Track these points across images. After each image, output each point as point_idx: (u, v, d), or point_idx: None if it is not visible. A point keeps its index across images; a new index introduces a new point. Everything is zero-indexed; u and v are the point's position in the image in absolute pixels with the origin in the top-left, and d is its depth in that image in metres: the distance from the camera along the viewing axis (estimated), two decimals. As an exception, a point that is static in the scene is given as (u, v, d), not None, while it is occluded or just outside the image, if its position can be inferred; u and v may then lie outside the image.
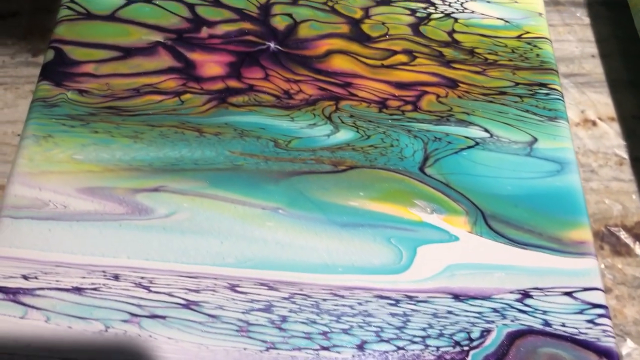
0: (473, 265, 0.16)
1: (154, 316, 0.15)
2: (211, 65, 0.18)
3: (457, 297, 0.15)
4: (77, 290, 0.15)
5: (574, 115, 0.24)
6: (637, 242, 0.21)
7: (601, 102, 0.24)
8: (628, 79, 0.25)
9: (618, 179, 0.22)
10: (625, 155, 0.23)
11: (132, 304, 0.15)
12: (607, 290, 0.20)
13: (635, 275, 0.21)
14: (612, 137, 0.23)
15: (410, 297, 0.15)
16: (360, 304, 0.15)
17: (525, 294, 0.16)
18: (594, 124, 0.24)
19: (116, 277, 0.15)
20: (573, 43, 0.26)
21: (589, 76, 0.25)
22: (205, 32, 0.19)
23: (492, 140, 0.18)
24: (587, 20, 0.26)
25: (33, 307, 0.14)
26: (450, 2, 0.21)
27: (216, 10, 0.20)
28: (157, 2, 0.19)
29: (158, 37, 0.19)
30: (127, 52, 0.18)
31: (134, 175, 0.16)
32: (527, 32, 0.20)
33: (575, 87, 0.24)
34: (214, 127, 0.17)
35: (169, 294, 0.15)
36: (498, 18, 0.20)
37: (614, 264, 0.21)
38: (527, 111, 0.19)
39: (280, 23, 0.20)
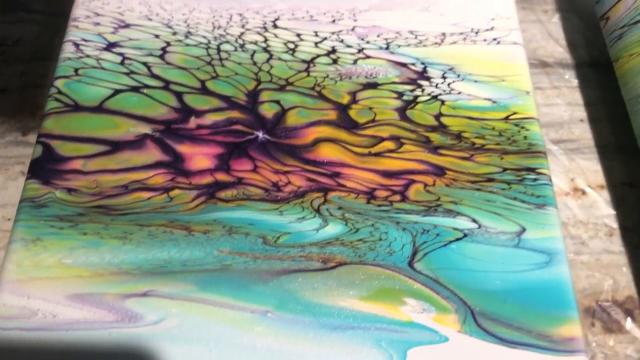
0: (463, 367, 0.16)
1: None
2: (199, 157, 0.19)
3: (447, 403, 0.15)
4: (66, 406, 0.15)
5: (563, 184, 0.24)
6: (629, 318, 0.21)
7: (590, 170, 0.24)
8: (617, 144, 0.25)
9: (608, 251, 0.22)
10: (615, 225, 0.23)
11: (122, 421, 0.15)
12: (598, 371, 0.20)
13: (627, 353, 0.21)
14: (601, 206, 0.23)
15: (400, 404, 0.15)
16: (350, 411, 0.15)
17: (515, 397, 0.16)
18: (584, 192, 0.24)
19: (105, 391, 0.15)
20: (562, 107, 0.26)
21: (578, 142, 0.25)
22: (193, 122, 0.19)
23: (480, 232, 0.18)
24: (575, 82, 0.26)
25: None
26: (437, 83, 0.21)
27: (204, 99, 0.20)
28: (145, 91, 0.20)
29: (146, 129, 0.19)
30: (115, 146, 0.18)
31: (123, 279, 0.16)
32: (515, 113, 0.20)
33: (565, 154, 0.24)
34: (202, 225, 0.17)
35: (159, 409, 0.15)
36: (485, 99, 0.21)
37: (605, 341, 0.21)
38: (515, 199, 0.19)
39: (268, 111, 0.20)
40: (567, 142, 0.25)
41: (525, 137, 0.20)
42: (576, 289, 0.22)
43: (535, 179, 0.19)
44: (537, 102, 0.26)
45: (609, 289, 0.22)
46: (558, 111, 0.26)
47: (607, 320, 0.21)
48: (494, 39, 0.22)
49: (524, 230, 0.18)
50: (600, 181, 0.24)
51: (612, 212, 0.23)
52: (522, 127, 0.20)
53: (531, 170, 0.19)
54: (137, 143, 0.19)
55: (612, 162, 0.24)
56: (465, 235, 0.18)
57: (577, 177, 0.24)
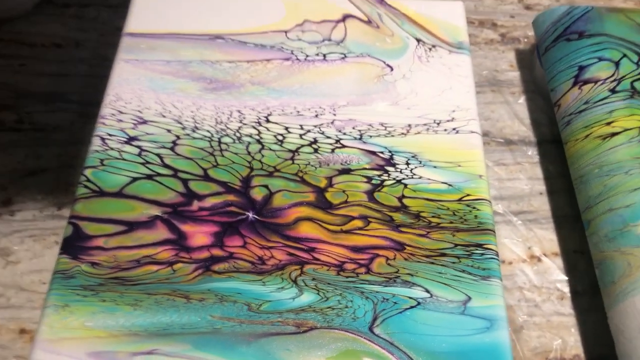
0: (410, 419, 0.19)
1: None
2: (199, 235, 0.22)
3: None
4: None
5: (521, 252, 0.27)
6: (575, 375, 0.24)
7: (546, 238, 0.27)
8: (572, 214, 0.28)
9: (559, 313, 0.25)
10: (566, 289, 0.26)
11: None
12: (544, 423, 0.23)
13: (572, 407, 0.23)
14: (555, 272, 0.26)
15: None
16: None
17: None
18: (539, 259, 0.27)
19: None
20: (523, 181, 0.29)
21: (536, 213, 0.28)
22: (195, 205, 0.23)
23: (431, 300, 0.21)
24: (536, 158, 0.30)
25: None
26: (401, 169, 0.24)
27: (205, 184, 0.24)
28: (157, 179, 0.24)
29: (157, 211, 0.23)
30: (131, 226, 0.23)
31: (133, 340, 0.20)
32: (468, 195, 0.24)
33: (524, 225, 0.28)
34: (198, 294, 0.21)
35: None
36: (442, 182, 0.24)
37: (552, 396, 0.24)
38: (463, 271, 0.22)
39: (258, 194, 0.24)
40: (526, 213, 0.28)
41: (475, 217, 0.23)
42: (528, 347, 0.24)
43: (482, 254, 0.22)
44: (500, 177, 0.29)
45: (558, 347, 0.25)
46: (520, 185, 0.29)
47: (555, 377, 0.24)
48: (454, 129, 0.26)
49: (469, 299, 0.21)
50: (555, 249, 0.27)
51: (564, 277, 0.26)
52: (474, 208, 0.24)
53: (479, 246, 0.23)
54: (148, 223, 0.23)
55: (567, 232, 0.27)
56: (418, 304, 0.21)
57: (534, 245, 0.27)
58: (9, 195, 0.27)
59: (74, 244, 0.22)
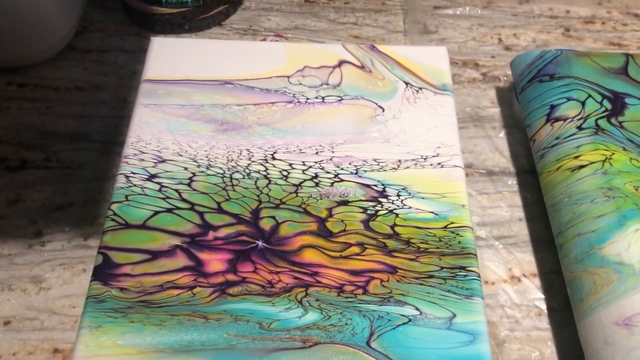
0: (403, 422, 0.22)
1: None
2: (215, 262, 0.25)
3: None
4: None
5: (502, 273, 0.30)
6: (551, 383, 0.27)
7: (525, 261, 0.30)
8: (548, 238, 0.31)
9: (537, 328, 0.28)
10: (544, 306, 0.29)
11: None
12: None
13: (549, 412, 0.26)
14: (533, 291, 0.29)
15: None
16: None
17: None
18: (519, 280, 0.30)
19: None
20: (504, 208, 0.32)
21: (516, 237, 0.31)
22: (211, 235, 0.26)
23: (421, 317, 0.24)
24: (516, 187, 0.33)
25: None
26: (393, 200, 0.27)
27: (219, 216, 0.27)
28: (176, 212, 0.27)
29: (176, 241, 0.26)
30: (154, 255, 0.25)
31: (159, 356, 0.23)
32: (452, 222, 0.27)
33: (505, 249, 0.31)
34: (215, 314, 0.24)
35: None
36: (429, 212, 0.27)
37: (532, 402, 0.26)
38: (448, 291, 0.25)
39: (266, 224, 0.27)
40: (507, 238, 0.31)
41: (459, 242, 0.26)
42: (509, 359, 0.27)
43: (465, 275, 0.25)
44: (483, 205, 0.32)
45: (537, 359, 0.27)
46: (500, 212, 0.32)
47: (534, 385, 0.27)
48: (439, 164, 0.29)
49: (454, 315, 0.24)
50: (533, 270, 0.30)
51: (542, 295, 0.29)
52: (457, 234, 0.27)
53: (463, 268, 0.26)
54: (170, 252, 0.26)
55: (544, 254, 0.30)
56: (409, 320, 0.24)
57: (514, 267, 0.30)
58: (39, 228, 0.30)
59: (104, 272, 0.25)
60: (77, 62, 0.37)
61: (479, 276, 0.26)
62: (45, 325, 0.27)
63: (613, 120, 0.30)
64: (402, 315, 0.24)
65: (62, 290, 0.29)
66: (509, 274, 0.30)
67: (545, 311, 0.29)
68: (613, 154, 0.28)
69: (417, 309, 0.24)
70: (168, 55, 0.32)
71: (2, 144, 0.33)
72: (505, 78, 0.38)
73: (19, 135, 0.34)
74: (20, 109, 0.35)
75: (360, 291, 0.25)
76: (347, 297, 0.25)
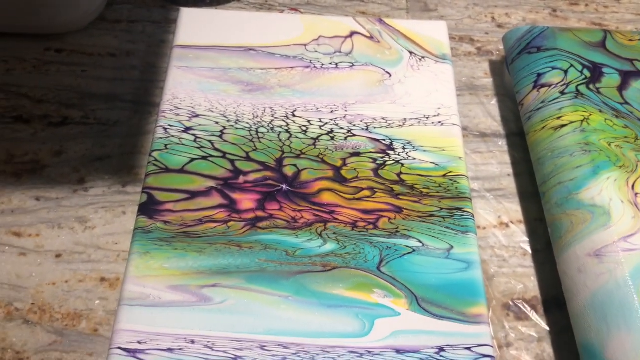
0: (409, 331, 0.26)
1: (216, 365, 0.25)
2: (246, 201, 0.29)
3: (398, 351, 0.25)
4: (170, 350, 0.25)
5: (493, 220, 0.34)
6: (533, 311, 0.31)
7: (513, 210, 0.34)
8: (533, 191, 0.35)
9: (522, 266, 0.32)
10: (528, 248, 0.33)
11: (203, 358, 0.25)
12: (508, 345, 0.30)
13: (530, 334, 0.30)
14: (519, 235, 0.33)
15: (369, 352, 0.25)
16: (339, 356, 0.25)
17: (441, 349, 0.25)
18: (507, 226, 0.34)
19: (192, 342, 0.25)
20: (494, 165, 0.36)
21: (505, 190, 0.35)
22: (241, 179, 0.30)
23: (423, 248, 0.28)
24: (505, 147, 0.37)
25: (145, 360, 0.25)
26: (399, 152, 0.31)
27: (248, 164, 0.30)
28: (210, 160, 0.30)
29: (212, 183, 0.30)
30: (193, 195, 0.29)
31: (200, 277, 0.27)
32: (450, 172, 0.31)
33: (495, 199, 0.35)
34: (248, 244, 0.28)
35: (224, 352, 0.25)
36: (431, 162, 0.31)
37: (516, 326, 0.30)
38: (447, 228, 0.29)
39: (289, 171, 0.30)
40: (497, 190, 0.35)
41: (456, 188, 0.30)
42: (497, 291, 0.31)
43: (461, 215, 0.29)
44: (476, 162, 0.36)
45: (521, 291, 0.32)
46: (491, 168, 0.36)
47: (518, 312, 0.31)
48: (439, 122, 0.33)
49: (452, 247, 0.28)
50: (520, 218, 0.34)
51: (527, 239, 0.33)
52: (455, 182, 0.31)
53: (459, 209, 0.30)
54: (206, 192, 0.29)
55: (529, 204, 0.35)
56: (413, 250, 0.28)
57: (503, 215, 0.34)
58: (82, 176, 0.34)
59: (149, 208, 0.29)
60: (108, 31, 0.41)
61: (473, 216, 0.30)
62: (92, 258, 0.31)
63: (591, 86, 0.34)
64: (407, 246, 0.28)
65: (105, 229, 0.32)
66: (498, 221, 0.34)
67: (530, 252, 0.33)
68: (590, 115, 0.32)
69: (420, 242, 0.28)
70: (196, 24, 0.36)
71: (44, 102, 0.37)
72: (497, 52, 0.42)
73: (59, 95, 0.37)
74: (59, 72, 0.38)
75: (371, 227, 0.29)
76: (359, 232, 0.29)
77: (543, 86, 0.34)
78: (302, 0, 0.44)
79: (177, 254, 0.27)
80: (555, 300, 0.31)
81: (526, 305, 0.31)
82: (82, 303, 0.30)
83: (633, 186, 0.30)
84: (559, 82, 0.34)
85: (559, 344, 0.30)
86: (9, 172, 0.34)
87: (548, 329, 0.30)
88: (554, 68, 0.35)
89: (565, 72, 0.34)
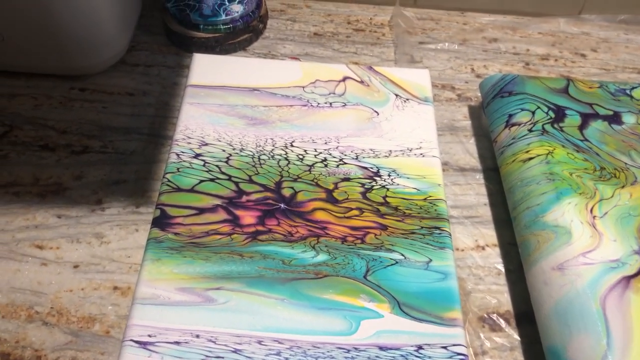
0: (391, 331, 0.29)
1: (218, 357, 0.27)
2: (248, 217, 0.33)
3: (381, 348, 0.28)
4: (177, 343, 0.28)
5: (471, 243, 0.37)
6: (506, 323, 0.34)
7: (489, 234, 0.38)
8: (506, 218, 0.39)
9: (496, 284, 0.36)
10: (502, 268, 0.36)
11: (207, 351, 0.28)
12: (484, 353, 0.33)
13: (504, 343, 0.33)
14: (494, 257, 0.37)
15: (356, 348, 0.28)
16: (328, 351, 0.28)
17: (420, 347, 0.28)
18: (483, 248, 0.37)
19: (197, 336, 0.28)
20: (472, 196, 0.40)
21: (481, 217, 0.39)
22: (244, 198, 0.34)
23: (405, 261, 0.32)
24: (482, 180, 0.41)
25: (154, 351, 0.27)
26: (385, 179, 0.35)
27: (250, 185, 0.34)
28: (217, 181, 0.34)
29: (218, 201, 0.33)
30: (201, 211, 0.33)
31: (206, 281, 0.30)
32: (430, 196, 0.35)
33: (473, 225, 0.38)
34: (249, 254, 0.31)
35: (226, 345, 0.28)
36: (413, 188, 0.35)
37: (491, 336, 0.33)
38: (427, 244, 0.32)
39: (287, 192, 0.34)
40: (474, 217, 0.39)
41: (435, 210, 0.34)
42: (474, 305, 0.35)
43: (440, 233, 0.33)
44: (455, 193, 0.40)
45: (495, 306, 0.35)
46: (469, 199, 0.40)
47: (493, 324, 0.34)
48: (421, 154, 0.37)
49: (430, 260, 0.32)
50: (495, 241, 0.38)
51: (501, 260, 0.37)
52: (434, 204, 0.34)
53: (437, 228, 0.33)
54: (213, 209, 0.33)
55: (503, 230, 0.38)
56: (396, 262, 0.31)
57: (479, 239, 0.38)
58: (99, 197, 0.37)
59: (161, 221, 0.32)
60: (126, 73, 0.45)
61: (450, 234, 0.33)
62: (106, 269, 0.34)
63: (555, 125, 0.38)
64: (391, 258, 0.32)
65: (119, 244, 0.36)
66: (475, 244, 0.37)
67: (503, 271, 0.36)
68: (554, 149, 0.37)
69: (402, 255, 0.32)
70: (208, 67, 0.41)
71: (68, 133, 0.41)
72: (475, 99, 0.47)
73: (81, 128, 0.41)
74: (82, 108, 0.43)
75: (359, 241, 0.32)
76: (349, 245, 0.32)
77: (514, 125, 0.39)
78: (301, 51, 0.49)
79: (185, 261, 0.31)
80: (525, 314, 0.34)
81: (500, 319, 0.34)
82: (96, 308, 0.32)
83: (591, 210, 0.33)
84: (527, 121, 0.38)
85: (529, 353, 0.33)
86: (34, 193, 0.37)
87: (519, 339, 0.33)
88: (523, 109, 0.39)
89: (533, 113, 0.39)
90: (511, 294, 0.35)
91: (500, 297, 0.35)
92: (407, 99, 0.40)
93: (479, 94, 0.46)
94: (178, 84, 0.45)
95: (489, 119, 0.41)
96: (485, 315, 0.34)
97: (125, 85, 0.44)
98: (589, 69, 0.50)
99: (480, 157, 0.42)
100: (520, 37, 0.53)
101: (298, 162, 0.36)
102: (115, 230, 0.36)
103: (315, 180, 0.35)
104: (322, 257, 0.32)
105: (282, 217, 0.33)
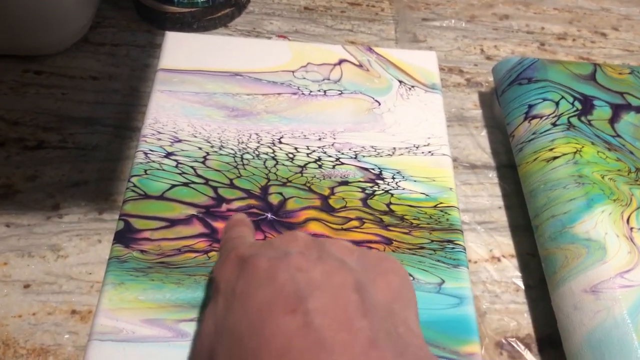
0: (398, 370, 0.24)
1: (191, 407, 0.23)
2: (228, 231, 0.28)
3: (387, 392, 0.24)
4: (142, 389, 0.23)
5: (484, 254, 0.33)
6: (527, 350, 0.30)
7: (504, 243, 0.33)
8: (524, 224, 0.34)
9: (515, 302, 0.31)
10: (520, 283, 0.32)
11: (178, 399, 0.23)
12: (503, 385, 0.28)
13: (525, 373, 0.29)
14: (511, 270, 0.32)
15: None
16: None
17: (433, 390, 0.24)
18: (499, 260, 0.33)
19: (167, 381, 0.23)
20: (485, 197, 0.35)
21: (496, 223, 0.34)
22: (224, 207, 0.29)
23: (414, 282, 0.27)
24: (496, 179, 0.36)
25: (114, 401, 0.23)
26: (388, 182, 0.30)
27: (231, 191, 0.29)
28: (192, 186, 0.29)
29: (193, 211, 0.28)
30: (172, 222, 0.28)
31: (177, 310, 0.25)
32: (441, 203, 0.30)
33: (486, 232, 0.34)
34: (229, 276, 0.26)
35: (201, 392, 0.23)
36: (421, 193, 0.30)
37: (509, 365, 0.29)
38: (438, 261, 0.28)
39: (275, 199, 0.29)
40: (488, 223, 0.34)
41: (447, 219, 0.29)
42: (490, 328, 0.30)
43: (452, 248, 0.28)
44: (466, 194, 0.35)
45: (514, 328, 0.30)
46: (482, 201, 0.35)
47: (512, 351, 0.30)
48: (429, 152, 0.32)
49: (443, 282, 0.27)
50: (511, 252, 0.33)
51: (519, 274, 0.32)
52: (446, 213, 0.30)
53: (450, 242, 0.29)
54: (186, 220, 0.28)
55: (521, 238, 0.34)
56: (404, 285, 0.27)
57: (494, 248, 0.33)
58: (57, 202, 0.32)
59: (125, 236, 0.27)
60: (90, 53, 0.39)
61: (465, 249, 0.29)
62: (63, 289, 0.29)
63: (583, 118, 0.33)
64: (397, 280, 0.27)
65: (78, 258, 0.30)
66: (489, 255, 0.33)
67: (522, 287, 0.32)
68: (583, 147, 0.32)
69: (411, 275, 0.27)
70: (182, 48, 0.35)
71: (20, 125, 0.35)
72: (486, 84, 0.41)
73: (36, 118, 0.36)
74: (37, 94, 0.37)
75: (359, 259, 0.27)
76: (347, 264, 0.27)
77: (534, 117, 0.34)
78: (290, 28, 0.43)
79: (153, 285, 0.26)
80: (549, 339, 0.30)
81: (520, 344, 0.30)
82: (50, 337, 0.28)
83: (628, 220, 0.29)
84: (551, 114, 0.34)
85: (554, 385, 0.28)
86: (-21, 197, 0.32)
87: (543, 369, 0.29)
88: (545, 99, 0.34)
89: (557, 103, 0.34)
90: (532, 315, 0.31)
91: (519, 318, 0.31)
92: (413, 86, 0.35)
93: (491, 79, 0.41)
94: (149, 65, 0.39)
95: (504, 109, 0.36)
96: (503, 341, 0.30)
97: (88, 67, 0.39)
98: (610, 50, 0.45)
99: (493, 152, 0.38)
100: (534, 13, 0.47)
101: (288, 163, 0.31)
102: (75, 242, 0.31)
103: (308, 185, 0.30)
104: (316, 279, 0.27)
105: (269, 230, 0.28)
